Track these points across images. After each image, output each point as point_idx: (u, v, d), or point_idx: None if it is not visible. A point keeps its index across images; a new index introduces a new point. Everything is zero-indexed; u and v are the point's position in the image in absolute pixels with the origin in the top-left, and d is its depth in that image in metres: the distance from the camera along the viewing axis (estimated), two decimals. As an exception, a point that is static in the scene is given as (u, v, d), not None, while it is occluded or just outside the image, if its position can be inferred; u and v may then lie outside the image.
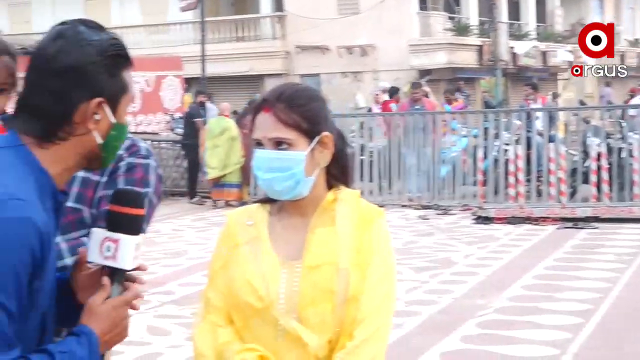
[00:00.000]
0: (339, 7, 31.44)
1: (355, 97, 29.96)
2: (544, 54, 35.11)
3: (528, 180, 14.56)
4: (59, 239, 2.65)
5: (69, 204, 2.69)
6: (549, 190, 14.15)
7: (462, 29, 32.17)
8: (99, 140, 2.07)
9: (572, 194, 14.33)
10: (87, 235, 2.64)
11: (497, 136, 15.24)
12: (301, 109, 2.48)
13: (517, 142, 14.79)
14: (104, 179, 2.73)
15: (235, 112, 19.88)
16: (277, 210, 2.57)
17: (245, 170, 16.91)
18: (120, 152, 2.73)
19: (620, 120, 14.68)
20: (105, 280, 2.12)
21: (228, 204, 16.33)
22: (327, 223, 2.50)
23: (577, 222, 13.23)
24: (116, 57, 2.07)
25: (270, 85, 32.32)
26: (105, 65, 2.04)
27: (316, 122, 2.49)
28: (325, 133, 2.50)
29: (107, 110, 2.05)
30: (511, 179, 14.30)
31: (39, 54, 2.05)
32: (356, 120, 17.25)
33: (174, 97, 23.21)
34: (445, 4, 33.84)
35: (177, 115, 22.26)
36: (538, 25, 38.08)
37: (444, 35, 31.50)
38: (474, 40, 31.73)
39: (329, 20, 30.18)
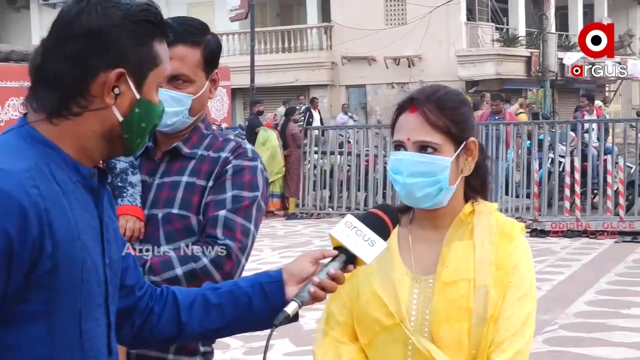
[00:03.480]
0: (386, 18, 31.27)
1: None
2: (591, 65, 34.63)
3: (582, 193, 14.27)
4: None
5: (174, 210, 2.60)
6: (606, 203, 13.87)
7: (510, 40, 31.83)
8: (119, 117, 1.80)
9: (629, 207, 14.03)
10: (195, 243, 2.56)
11: (551, 148, 14.97)
12: (452, 112, 2.33)
13: (571, 153, 14.52)
14: (210, 183, 2.62)
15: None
16: (407, 221, 2.42)
17: (290, 181, 16.92)
18: (226, 154, 2.65)
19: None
20: (334, 252, 2.03)
21: (272, 214, 16.23)
22: (464, 237, 2.35)
23: (635, 235, 12.95)
24: (146, 24, 1.81)
25: (316, 95, 32.29)
26: (131, 31, 1.78)
27: (465, 127, 2.36)
28: (472, 139, 2.36)
29: (131, 83, 1.80)
30: (567, 192, 14.01)
31: (60, 17, 1.80)
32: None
33: (221, 108, 23.13)
34: (492, 15, 33.55)
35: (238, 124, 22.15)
36: (586, 37, 37.65)
37: (491, 46, 31.21)
38: (522, 51, 31.39)
39: (376, 30, 29.99)
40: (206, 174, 2.64)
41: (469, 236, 2.34)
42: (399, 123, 2.35)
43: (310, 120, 24.30)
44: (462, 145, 2.33)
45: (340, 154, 17.10)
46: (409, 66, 30.73)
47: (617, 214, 13.55)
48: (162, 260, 2.53)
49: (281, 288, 2.05)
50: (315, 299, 2.01)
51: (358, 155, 16.52)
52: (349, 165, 16.74)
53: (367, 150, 16.56)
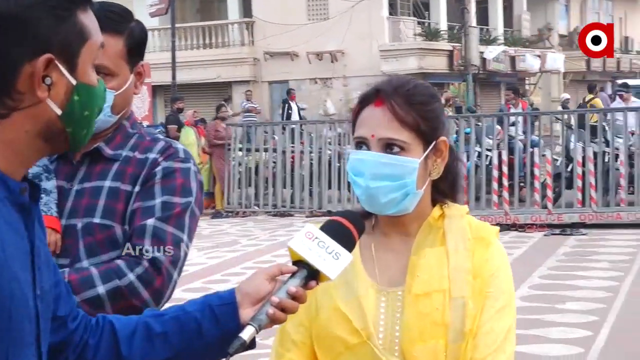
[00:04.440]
0: (308, 13, 31.07)
1: (325, 103, 29.61)
2: (512, 58, 34.94)
3: (510, 186, 14.22)
4: (85, 263, 2.29)
5: (96, 220, 2.31)
6: (534, 195, 13.83)
7: (432, 34, 31.91)
8: (57, 110, 1.54)
9: (556, 199, 14.02)
10: (119, 257, 2.27)
11: (477, 141, 14.91)
12: (422, 108, 2.07)
13: (498, 146, 14.47)
14: (137, 188, 2.34)
15: (202, 120, 19.51)
16: (369, 228, 2.12)
17: (216, 180, 16.70)
18: (155, 155, 2.37)
19: (604, 124, 14.37)
20: (293, 267, 1.77)
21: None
22: (435, 243, 2.09)
23: (564, 228, 12.94)
24: None
25: (238, 92, 32.02)
26: (50, 8, 1.52)
27: (436, 125, 2.09)
28: (443, 138, 2.09)
29: (62, 68, 1.53)
30: (495, 185, 13.93)
31: None
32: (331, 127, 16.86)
33: (142, 106, 22.65)
34: (414, 9, 33.60)
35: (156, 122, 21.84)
36: (505, 30, 37.95)
37: (414, 40, 31.24)
38: (444, 45, 31.49)
39: (298, 26, 29.78)
40: (132, 177, 2.36)
41: (441, 242, 2.09)
42: (362, 117, 2.08)
43: (290, 112, 23.91)
44: (432, 145, 2.07)
45: (265, 150, 16.88)
46: (332, 61, 30.61)
47: (544, 207, 13.52)
48: (81, 277, 2.24)
49: (235, 311, 1.78)
50: (274, 321, 1.74)
51: (283, 152, 16.28)
52: (274, 162, 16.49)
53: (292, 146, 16.32)
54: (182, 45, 31.34)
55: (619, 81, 28.35)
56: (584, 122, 14.08)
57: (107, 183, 2.36)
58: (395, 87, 2.06)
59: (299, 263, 1.76)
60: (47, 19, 1.51)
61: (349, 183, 11.44)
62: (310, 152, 16.09)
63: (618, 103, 18.60)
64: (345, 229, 1.82)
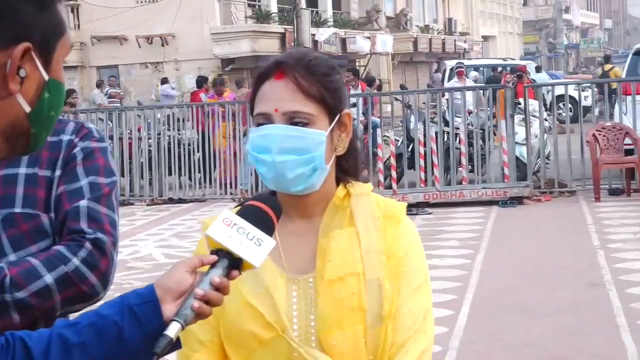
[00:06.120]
0: (137, -5, 30.48)
1: (157, 88, 29.13)
2: (343, 41, 35.38)
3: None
4: (12, 257, 2.12)
5: (17, 210, 2.14)
6: (377, 176, 13.95)
7: (263, 16, 31.87)
8: (26, 107, 1.41)
9: (398, 179, 14.19)
10: (49, 247, 2.13)
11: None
12: (326, 79, 1.99)
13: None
14: (58, 172, 2.20)
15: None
16: None
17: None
18: (69, 136, 2.24)
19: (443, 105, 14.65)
20: (213, 257, 1.64)
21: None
22: (343, 224, 2.00)
23: (410, 208, 13.10)
24: None
25: (65, 78, 31.01)
26: None
27: (339, 97, 2.01)
28: (347, 111, 2.02)
29: (37, 61, 1.40)
30: (339, 167, 13.95)
31: None
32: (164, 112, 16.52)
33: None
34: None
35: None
36: (335, 12, 38.36)
37: (245, 22, 31.12)
38: (276, 27, 31.52)
39: (126, 9, 29.13)
40: (49, 162, 2.21)
41: (349, 223, 2.01)
42: (262, 92, 1.98)
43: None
44: (337, 118, 2.00)
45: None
46: (163, 45, 30.18)
47: (388, 187, 13.67)
48: (22, 269, 2.08)
49: (157, 308, 1.64)
50: (199, 315, 1.62)
51: (120, 139, 15.83)
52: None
53: (129, 133, 15.90)
54: None
55: (447, 62, 29.13)
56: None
57: (22, 170, 2.20)
58: (296, 59, 1.99)
59: (219, 252, 1.67)
60: (27, 4, 1.37)
61: (189, 169, 11.19)
62: (149, 139, 15.73)
63: (455, 82, 19.05)
64: (264, 213, 1.73)
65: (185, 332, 1.99)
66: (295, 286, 1.99)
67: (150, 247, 11.20)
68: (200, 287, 1.61)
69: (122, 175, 15.74)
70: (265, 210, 1.73)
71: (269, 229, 1.71)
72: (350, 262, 1.97)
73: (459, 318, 7.22)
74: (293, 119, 1.94)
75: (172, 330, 1.59)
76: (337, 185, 2.05)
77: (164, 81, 26.54)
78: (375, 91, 18.84)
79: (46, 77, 1.40)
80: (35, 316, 2.07)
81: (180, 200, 15.10)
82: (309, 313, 1.97)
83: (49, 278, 2.08)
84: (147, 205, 15.22)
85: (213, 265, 1.65)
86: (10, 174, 2.19)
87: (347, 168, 2.05)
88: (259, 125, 1.97)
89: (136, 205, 15.29)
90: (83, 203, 2.18)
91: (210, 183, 15.25)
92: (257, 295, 1.96)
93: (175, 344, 1.62)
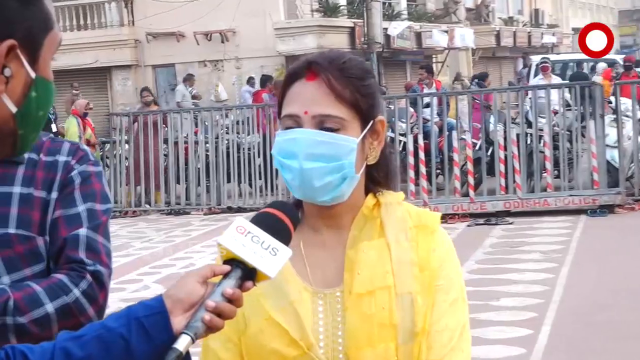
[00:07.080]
0: (194, -11, 30.76)
1: (217, 88, 29.37)
2: (418, 35, 35.23)
3: (427, 174, 14.25)
4: (6, 279, 2.18)
5: (11, 230, 2.20)
6: (453, 183, 13.89)
7: (331, 10, 31.88)
8: (12, 107, 1.45)
9: (476, 187, 14.11)
10: (43, 271, 2.21)
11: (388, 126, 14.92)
12: (360, 83, 2.01)
13: (411, 131, 14.50)
14: (54, 194, 2.26)
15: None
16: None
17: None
18: (65, 157, 2.30)
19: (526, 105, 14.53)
20: (226, 267, 1.68)
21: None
22: (373, 236, 2.03)
23: (488, 217, 13.04)
24: None
25: (118, 78, 31.55)
26: None
27: (373, 103, 2.04)
28: (381, 117, 2.04)
29: (23, 58, 1.44)
30: (411, 173, 13.93)
31: None
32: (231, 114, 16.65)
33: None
34: (310, -17, 33.55)
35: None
36: (409, 4, 38.26)
37: (311, 16, 31.19)
38: (344, 21, 31.51)
39: (183, 3, 29.41)
40: (44, 182, 2.28)
41: (379, 234, 2.03)
42: (291, 93, 2.01)
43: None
44: (370, 125, 2.02)
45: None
46: (223, 42, 30.35)
47: (465, 195, 13.60)
48: (26, 295, 2.14)
49: (166, 320, 1.68)
50: (210, 328, 1.66)
51: (176, 143, 16.01)
52: (166, 155, 16.20)
53: (185, 137, 16.08)
54: (54, 27, 30.70)
55: (533, 57, 28.83)
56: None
57: (17, 189, 2.26)
58: (329, 60, 2.01)
59: (232, 262, 1.70)
60: (11, 0, 1.40)
61: (249, 176, 11.31)
62: (206, 143, 15.88)
63: (539, 79, 18.86)
64: (280, 221, 1.77)
65: (205, 350, 2.04)
66: (321, 301, 2.01)
67: (207, 260, 11.29)
68: (211, 299, 1.65)
69: (178, 182, 15.93)
70: (281, 217, 1.77)
71: (285, 237, 1.75)
72: (381, 275, 1.98)
73: (538, 338, 7.18)
74: (323, 123, 1.96)
75: (182, 344, 1.63)
76: (366, 196, 2.08)
77: (249, 80, 26.77)
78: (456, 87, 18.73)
79: (33, 75, 1.44)
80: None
81: (240, 210, 15.19)
82: (336, 329, 1.99)
83: (50, 307, 2.14)
84: (204, 214, 15.38)
85: (226, 275, 1.69)
86: (6, 193, 2.25)
87: (377, 178, 2.08)
88: (286, 128, 1.99)
89: (192, 215, 15.47)
90: (82, 232, 2.25)
91: (272, 191, 15.31)
92: (280, 311, 1.99)
93: (185, 358, 1.65)
